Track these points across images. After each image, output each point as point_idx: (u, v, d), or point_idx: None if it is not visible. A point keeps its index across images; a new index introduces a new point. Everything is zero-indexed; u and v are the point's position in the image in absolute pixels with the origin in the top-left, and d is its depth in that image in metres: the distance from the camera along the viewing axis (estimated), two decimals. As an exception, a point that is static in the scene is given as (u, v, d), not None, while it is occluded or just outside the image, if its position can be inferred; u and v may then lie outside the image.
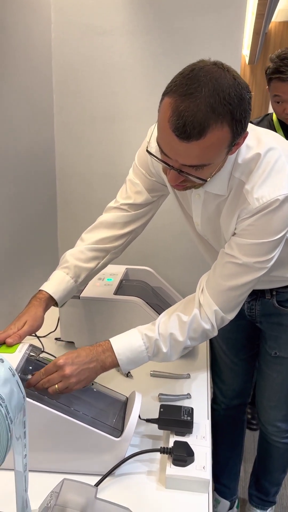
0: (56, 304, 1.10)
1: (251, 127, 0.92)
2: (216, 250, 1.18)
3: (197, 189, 1.00)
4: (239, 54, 1.51)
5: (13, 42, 1.27)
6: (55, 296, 1.07)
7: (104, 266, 1.18)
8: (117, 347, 0.95)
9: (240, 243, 0.94)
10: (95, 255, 1.14)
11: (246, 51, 3.21)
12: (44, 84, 1.54)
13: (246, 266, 0.94)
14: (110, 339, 0.97)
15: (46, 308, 1.06)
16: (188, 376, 1.23)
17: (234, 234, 0.98)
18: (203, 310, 0.98)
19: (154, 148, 0.90)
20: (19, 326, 0.98)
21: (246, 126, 0.83)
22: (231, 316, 1.00)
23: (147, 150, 0.91)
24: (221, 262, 0.98)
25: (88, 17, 1.51)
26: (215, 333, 1.00)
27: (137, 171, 1.15)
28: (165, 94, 0.80)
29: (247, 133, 0.86)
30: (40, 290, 1.08)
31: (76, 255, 1.13)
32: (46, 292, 1.07)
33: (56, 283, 1.09)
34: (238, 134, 0.82)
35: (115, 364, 0.95)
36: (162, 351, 0.97)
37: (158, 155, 0.87)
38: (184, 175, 0.86)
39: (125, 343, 0.97)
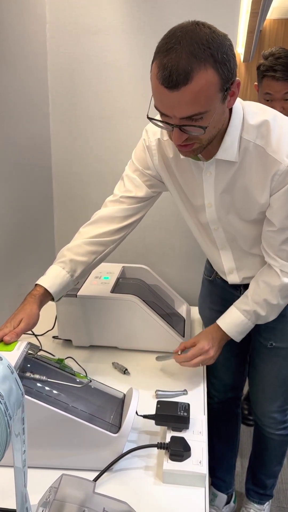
0: (52, 299, 1.10)
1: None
2: (217, 244, 1.20)
3: (208, 167, 1.03)
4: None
5: (9, 42, 1.28)
6: (51, 290, 1.08)
7: (101, 261, 1.19)
8: (226, 328, 1.17)
9: None
10: (93, 249, 1.15)
11: (241, 49, 3.21)
12: (39, 83, 1.54)
13: None
14: (217, 322, 1.19)
15: (41, 305, 1.06)
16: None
17: (268, 205, 1.02)
18: (285, 274, 1.09)
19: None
20: (15, 324, 0.99)
21: (233, 71, 0.85)
22: None
23: (148, 117, 0.92)
24: (282, 238, 1.06)
25: (83, 16, 1.52)
26: None
27: (134, 167, 1.16)
28: (152, 61, 0.85)
29: (239, 81, 0.89)
30: (36, 284, 1.08)
31: (73, 250, 1.14)
32: (41, 286, 1.07)
33: (51, 278, 1.10)
34: (226, 77, 0.84)
35: (229, 339, 1.19)
36: (262, 315, 1.14)
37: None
38: (185, 130, 0.88)
39: (231, 323, 1.17)
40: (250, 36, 2.53)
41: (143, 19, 1.49)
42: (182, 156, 1.03)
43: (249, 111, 0.98)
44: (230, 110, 0.96)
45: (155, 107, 0.89)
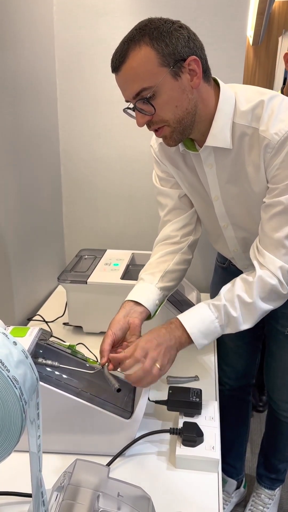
0: (148, 313, 1.07)
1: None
2: (229, 246, 1.19)
3: (207, 158, 1.02)
4: (244, 35, 1.49)
5: (14, 25, 1.25)
6: (136, 298, 1.05)
7: (179, 264, 1.16)
8: (187, 322, 0.96)
9: (280, 186, 0.94)
10: (163, 259, 1.15)
11: (250, 32, 3.16)
12: (47, 67, 1.52)
13: None
14: (178, 316, 0.97)
15: (126, 311, 1.03)
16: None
17: (267, 187, 0.97)
18: (266, 269, 0.96)
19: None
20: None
21: (175, 47, 0.87)
22: None
23: (123, 110, 0.98)
24: (266, 217, 0.97)
25: (90, -2, 1.49)
26: (285, 291, 0.97)
27: (158, 178, 1.19)
28: None
29: (195, 58, 0.88)
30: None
31: (145, 268, 1.15)
32: (126, 302, 1.06)
33: (132, 292, 1.09)
34: (166, 52, 0.86)
35: (189, 340, 0.95)
36: (233, 316, 0.96)
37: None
38: (140, 109, 0.92)
39: (194, 316, 0.97)
40: (259, 18, 2.49)
41: (152, 0, 1.46)
42: (181, 149, 1.05)
43: (244, 96, 0.96)
44: (217, 95, 0.95)
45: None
